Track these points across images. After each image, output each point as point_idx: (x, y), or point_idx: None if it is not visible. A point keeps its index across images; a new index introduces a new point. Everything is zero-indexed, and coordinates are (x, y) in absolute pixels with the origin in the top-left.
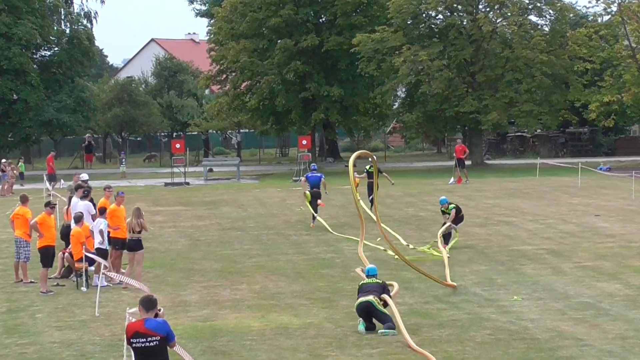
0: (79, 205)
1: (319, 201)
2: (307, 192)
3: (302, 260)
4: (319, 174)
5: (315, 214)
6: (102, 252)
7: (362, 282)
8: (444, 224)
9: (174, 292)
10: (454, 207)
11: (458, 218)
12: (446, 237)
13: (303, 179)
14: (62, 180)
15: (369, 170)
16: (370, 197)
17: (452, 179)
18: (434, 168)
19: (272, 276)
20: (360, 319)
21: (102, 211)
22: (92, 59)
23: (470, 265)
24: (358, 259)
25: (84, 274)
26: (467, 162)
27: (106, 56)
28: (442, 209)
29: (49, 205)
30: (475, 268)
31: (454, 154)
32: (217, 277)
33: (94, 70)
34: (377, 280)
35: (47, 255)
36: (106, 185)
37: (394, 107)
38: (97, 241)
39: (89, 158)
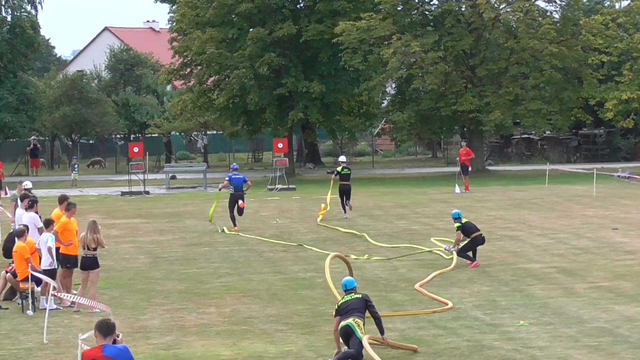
0: (24, 217)
1: (239, 202)
2: (219, 192)
3: (279, 280)
4: (241, 175)
5: (233, 222)
6: (50, 272)
7: (341, 300)
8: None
9: (132, 316)
10: (458, 227)
11: (476, 239)
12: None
13: (225, 181)
14: (6, 189)
15: (342, 172)
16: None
17: (457, 188)
18: (428, 175)
19: (244, 298)
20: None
21: (47, 224)
22: (37, 50)
23: (471, 286)
24: (342, 277)
25: (29, 295)
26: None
27: (53, 47)
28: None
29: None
30: (476, 289)
31: (458, 159)
32: (182, 299)
33: (40, 63)
34: (357, 295)
35: None
36: (63, 197)
37: (383, 105)
38: (45, 260)
39: (34, 163)
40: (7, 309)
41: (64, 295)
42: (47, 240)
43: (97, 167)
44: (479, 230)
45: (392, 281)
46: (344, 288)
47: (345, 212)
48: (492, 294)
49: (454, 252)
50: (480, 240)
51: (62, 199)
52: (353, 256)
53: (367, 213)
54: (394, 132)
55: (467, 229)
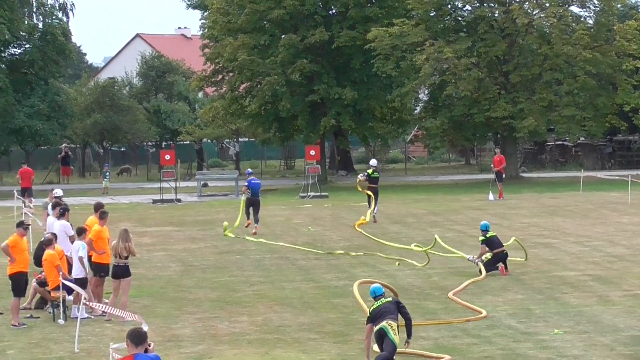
0: (56, 225)
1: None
2: (244, 198)
3: (311, 288)
4: (258, 180)
5: (246, 218)
6: (80, 281)
7: (371, 307)
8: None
9: (164, 324)
10: (482, 241)
11: (498, 255)
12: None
13: (244, 186)
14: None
15: (372, 175)
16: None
17: (491, 195)
18: (461, 182)
19: (277, 306)
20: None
21: (80, 232)
22: (69, 57)
23: (505, 294)
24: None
25: (61, 304)
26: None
27: (84, 54)
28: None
29: (22, 225)
30: (510, 297)
31: (492, 166)
32: (214, 308)
33: (71, 70)
34: (388, 299)
35: (19, 283)
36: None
37: (415, 111)
38: (77, 268)
39: (65, 171)
40: (38, 317)
41: (96, 305)
42: (78, 249)
43: (125, 175)
44: (502, 246)
45: (425, 289)
46: (373, 295)
47: (372, 211)
48: (527, 302)
49: (479, 264)
50: (503, 256)
51: (98, 207)
52: (382, 264)
53: (400, 220)
54: (426, 138)
55: (490, 243)
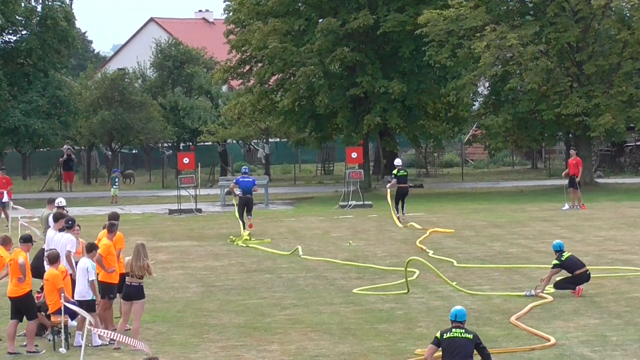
0: (57, 239)
1: (249, 221)
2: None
3: (352, 312)
4: (251, 178)
5: (243, 225)
6: (86, 303)
7: (442, 332)
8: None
9: (182, 354)
10: (555, 265)
11: (579, 277)
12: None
13: (232, 183)
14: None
15: (398, 174)
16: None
17: (566, 205)
18: (528, 189)
19: (312, 333)
20: None
21: (90, 248)
22: (72, 45)
23: (577, 319)
24: (426, 309)
25: (62, 330)
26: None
27: (90, 42)
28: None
29: (26, 240)
30: (582, 322)
31: (567, 170)
32: (239, 335)
33: (75, 60)
34: (468, 335)
35: (31, 304)
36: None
37: (474, 107)
38: (82, 289)
39: (68, 177)
40: (36, 346)
41: (102, 332)
42: (86, 268)
43: (128, 182)
44: (584, 265)
45: (484, 313)
46: (452, 318)
47: (401, 213)
48: (602, 327)
49: (541, 294)
50: (585, 277)
51: (113, 218)
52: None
53: (456, 234)
54: (486, 138)
55: (568, 267)
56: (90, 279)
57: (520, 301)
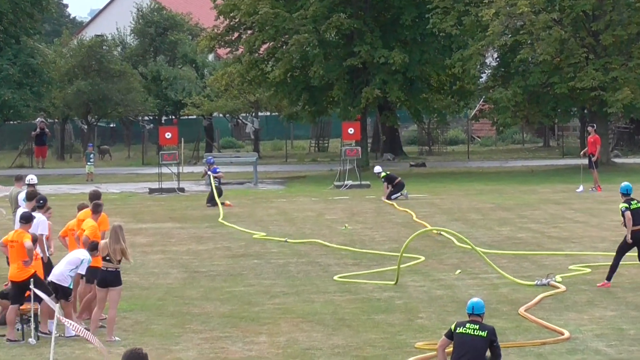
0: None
1: (226, 202)
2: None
3: (347, 301)
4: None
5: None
6: (63, 290)
7: (456, 325)
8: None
9: (162, 346)
10: (626, 209)
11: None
12: None
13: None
14: None
15: (387, 175)
16: (394, 196)
17: (581, 187)
18: (539, 169)
19: (304, 324)
20: None
21: (93, 248)
22: (46, 9)
23: (591, 310)
24: (428, 299)
25: (32, 319)
26: (584, 161)
27: (66, 6)
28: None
29: (27, 219)
30: (597, 314)
31: (586, 149)
32: (225, 325)
33: (49, 26)
34: (481, 333)
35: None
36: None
37: (481, 80)
38: (62, 274)
39: (40, 152)
40: (2, 336)
41: (68, 323)
42: (80, 259)
43: (104, 158)
44: None
45: (491, 303)
46: (469, 310)
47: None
48: (618, 320)
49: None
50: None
51: (93, 197)
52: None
53: (461, 217)
54: (494, 114)
55: (635, 215)
56: (80, 271)
57: (530, 291)
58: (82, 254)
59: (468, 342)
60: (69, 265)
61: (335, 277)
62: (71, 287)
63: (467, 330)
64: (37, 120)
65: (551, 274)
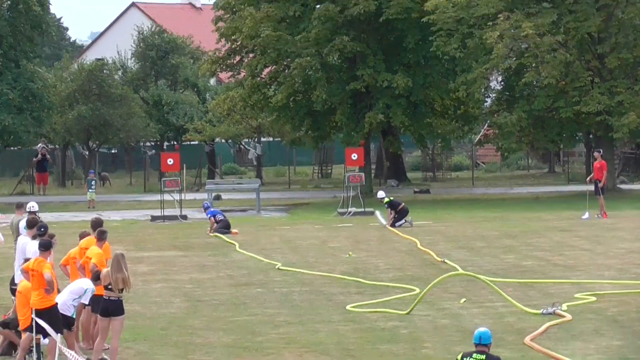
0: (31, 248)
1: (232, 230)
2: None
3: (352, 330)
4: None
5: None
6: (66, 320)
7: (463, 356)
8: None
9: None
10: None
11: None
12: None
13: (212, 219)
14: None
15: (390, 201)
16: (399, 223)
17: (587, 213)
18: (544, 195)
19: (308, 354)
20: None
21: (96, 277)
22: (46, 32)
23: (597, 339)
24: (433, 328)
25: (34, 349)
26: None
27: (66, 29)
28: None
29: (46, 246)
30: (604, 343)
31: (592, 175)
32: (228, 355)
33: (49, 49)
34: None
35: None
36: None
37: (486, 104)
38: (65, 304)
39: (42, 178)
40: None
41: (69, 354)
42: (84, 289)
43: (105, 185)
44: None
45: (496, 333)
46: (476, 340)
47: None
48: (625, 350)
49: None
50: None
51: (96, 224)
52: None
53: (466, 245)
54: (499, 139)
55: None
56: (83, 301)
57: (536, 320)
58: (85, 283)
59: None
60: (72, 295)
61: (348, 307)
62: (74, 316)
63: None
64: (38, 146)
65: (557, 302)
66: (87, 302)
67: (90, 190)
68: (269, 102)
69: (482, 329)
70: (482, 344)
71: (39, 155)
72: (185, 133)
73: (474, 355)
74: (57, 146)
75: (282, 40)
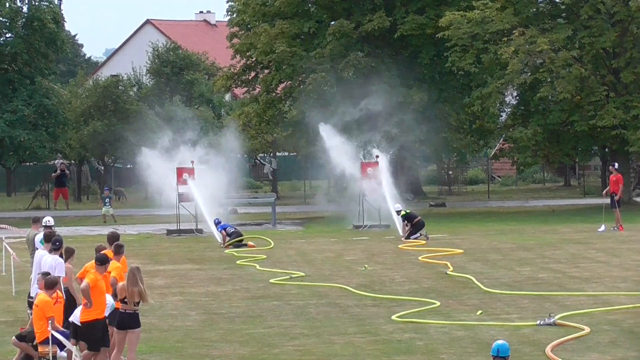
0: (46, 261)
1: (249, 242)
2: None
3: (367, 342)
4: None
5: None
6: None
7: None
8: None
9: None
10: None
11: None
12: None
13: (223, 231)
14: None
15: (407, 214)
16: (414, 236)
17: (602, 226)
18: (560, 208)
19: None
20: None
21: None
22: (61, 49)
23: (613, 351)
24: (449, 340)
25: None
26: (607, 200)
27: (81, 46)
28: None
29: (102, 261)
30: (620, 354)
31: (608, 188)
32: None
33: (64, 66)
34: None
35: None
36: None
37: (501, 119)
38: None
39: (61, 193)
40: None
41: None
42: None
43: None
44: None
45: (513, 344)
46: (494, 353)
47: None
48: None
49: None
50: None
51: (112, 238)
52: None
53: (481, 257)
54: (514, 153)
55: None
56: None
57: (552, 331)
58: (106, 298)
59: None
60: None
61: (394, 317)
62: None
63: None
64: (57, 162)
65: (552, 313)
66: (106, 315)
67: (106, 206)
68: (284, 117)
69: (500, 342)
70: (500, 357)
71: (58, 171)
72: None
73: None
74: (72, 161)
75: (296, 56)
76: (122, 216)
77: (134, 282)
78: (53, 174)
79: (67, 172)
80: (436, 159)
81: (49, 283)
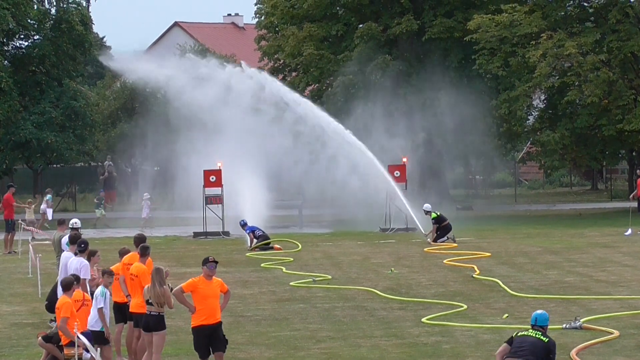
0: (72, 263)
1: (275, 245)
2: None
3: (394, 346)
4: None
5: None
6: (97, 335)
7: (518, 332)
8: None
9: None
10: None
11: None
12: None
13: (251, 234)
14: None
15: (438, 217)
16: (441, 240)
17: (629, 230)
18: (587, 212)
19: None
20: None
21: (103, 273)
22: (89, 51)
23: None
24: (475, 343)
25: None
26: (634, 204)
27: (109, 48)
28: None
29: (210, 262)
30: None
31: (635, 192)
32: None
33: (91, 68)
34: (542, 338)
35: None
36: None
37: (528, 122)
38: (92, 318)
39: (110, 196)
40: None
41: None
42: (97, 296)
43: (65, 199)
44: None
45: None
46: (532, 322)
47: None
48: None
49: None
50: None
51: (139, 240)
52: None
53: (508, 260)
54: (542, 156)
55: None
56: (98, 307)
57: (577, 335)
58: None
59: (529, 340)
60: (94, 307)
61: (424, 319)
62: (102, 329)
63: (529, 333)
64: (106, 163)
65: (578, 316)
66: (101, 305)
67: (145, 210)
68: None
69: (538, 312)
70: (538, 325)
71: (106, 173)
72: None
73: (530, 330)
74: (99, 163)
75: (324, 59)
76: (160, 219)
77: (158, 282)
78: (101, 177)
79: (115, 174)
80: (463, 162)
81: (65, 284)
